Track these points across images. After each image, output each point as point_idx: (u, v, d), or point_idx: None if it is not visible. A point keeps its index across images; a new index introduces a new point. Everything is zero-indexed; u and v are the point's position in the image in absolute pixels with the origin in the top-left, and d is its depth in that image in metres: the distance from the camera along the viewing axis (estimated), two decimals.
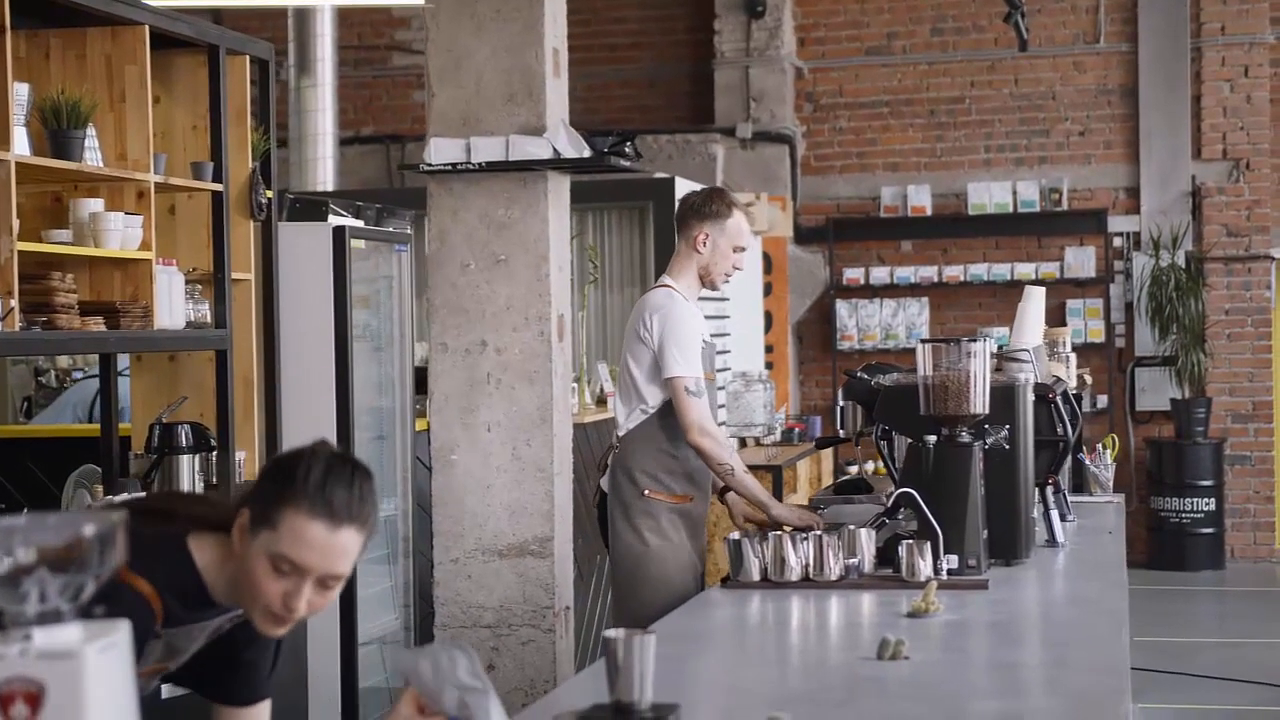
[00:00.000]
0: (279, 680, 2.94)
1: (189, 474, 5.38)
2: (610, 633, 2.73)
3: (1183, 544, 12.11)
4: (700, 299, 5.37)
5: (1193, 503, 12.09)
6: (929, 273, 12.67)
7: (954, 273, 12.63)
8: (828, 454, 11.19)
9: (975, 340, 4.39)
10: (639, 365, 5.17)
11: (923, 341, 4.43)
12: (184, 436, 5.38)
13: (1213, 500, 12.12)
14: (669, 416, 5.13)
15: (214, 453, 5.53)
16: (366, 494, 2.56)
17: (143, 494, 4.98)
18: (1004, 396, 4.50)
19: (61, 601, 1.75)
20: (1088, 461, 6.37)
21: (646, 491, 5.15)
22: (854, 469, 12.21)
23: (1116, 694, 2.92)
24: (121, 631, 1.78)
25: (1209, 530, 12.14)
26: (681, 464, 5.16)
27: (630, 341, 5.21)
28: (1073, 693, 3.01)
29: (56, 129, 4.77)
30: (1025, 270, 12.44)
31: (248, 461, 5.80)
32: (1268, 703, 8.11)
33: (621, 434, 5.25)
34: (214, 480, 5.56)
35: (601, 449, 7.69)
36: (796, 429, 10.92)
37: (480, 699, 2.53)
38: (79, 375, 8.81)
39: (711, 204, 5.26)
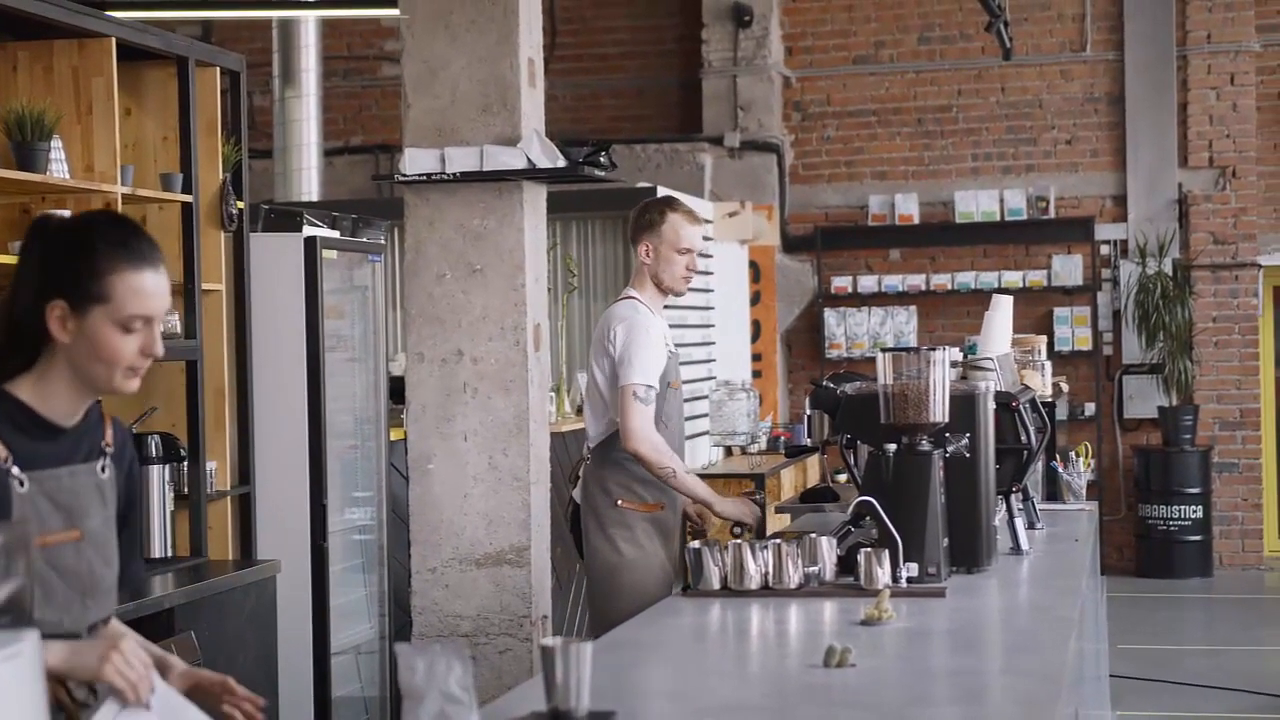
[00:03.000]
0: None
1: (159, 485, 5.39)
2: (546, 641, 2.76)
3: (1170, 551, 12.12)
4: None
5: (1180, 510, 12.10)
6: (917, 281, 12.69)
7: (942, 281, 12.65)
8: (814, 462, 11.20)
9: (935, 349, 4.40)
10: (605, 377, 5.26)
11: (883, 350, 4.44)
12: (154, 447, 5.39)
13: (1200, 508, 12.12)
14: None
15: (184, 463, 5.55)
16: (147, 234, 2.74)
17: None
18: (965, 405, 4.50)
19: None
20: (1060, 470, 6.37)
21: (620, 502, 5.22)
22: (843, 477, 12.21)
23: (1050, 700, 2.93)
24: (27, 642, 1.80)
25: (1197, 538, 12.14)
26: None
27: (596, 354, 5.31)
28: (1009, 699, 3.04)
29: (21, 141, 4.79)
30: (1013, 278, 12.45)
31: (219, 472, 5.82)
32: (1251, 710, 8.12)
33: (592, 445, 5.32)
34: (185, 491, 5.58)
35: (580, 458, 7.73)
36: (783, 437, 10.92)
37: (461, 713, 2.56)
38: None
39: (645, 214, 5.37)
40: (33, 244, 2.70)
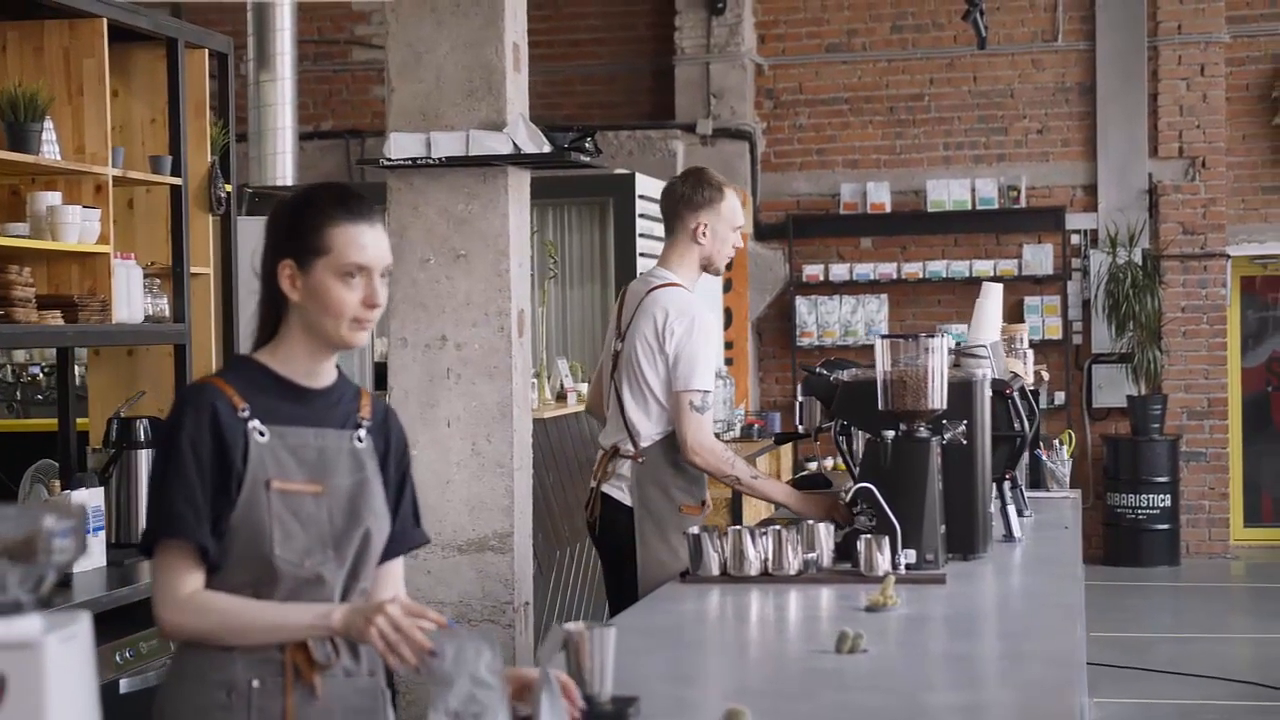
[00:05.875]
0: None
1: (146, 468, 5.35)
2: (571, 626, 2.74)
3: (1138, 540, 12.20)
4: None
5: (1148, 499, 12.18)
6: (888, 269, 12.72)
7: (913, 270, 12.69)
8: (787, 450, 11.24)
9: (933, 336, 4.41)
10: (657, 374, 4.92)
11: (882, 337, 4.44)
12: (142, 431, 5.35)
13: (1168, 496, 12.20)
14: None
15: None
16: (364, 197, 2.94)
17: None
18: (962, 392, 4.52)
19: (21, 592, 1.75)
20: (1044, 458, 6.40)
21: (683, 508, 4.96)
22: (813, 465, 12.26)
23: (1070, 685, 2.94)
24: (81, 624, 1.78)
25: (1164, 526, 12.23)
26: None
27: (644, 348, 4.94)
28: (1027, 685, 3.04)
29: (13, 121, 4.74)
30: (984, 267, 12.50)
31: None
32: (1221, 697, 8.18)
33: (644, 444, 4.97)
34: None
35: (561, 444, 7.70)
36: (756, 425, 10.95)
37: (491, 697, 2.56)
38: (35, 370, 8.76)
39: (703, 190, 5.01)
40: (268, 220, 2.91)
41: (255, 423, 2.79)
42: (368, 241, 2.82)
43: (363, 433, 2.91)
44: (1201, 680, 8.47)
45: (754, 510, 9.27)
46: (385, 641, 2.67)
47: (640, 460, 4.98)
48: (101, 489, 5.18)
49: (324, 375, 2.90)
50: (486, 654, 2.59)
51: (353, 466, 2.88)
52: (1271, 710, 7.98)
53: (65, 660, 1.73)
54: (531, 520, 6.01)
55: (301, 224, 2.84)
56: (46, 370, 8.74)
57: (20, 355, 8.67)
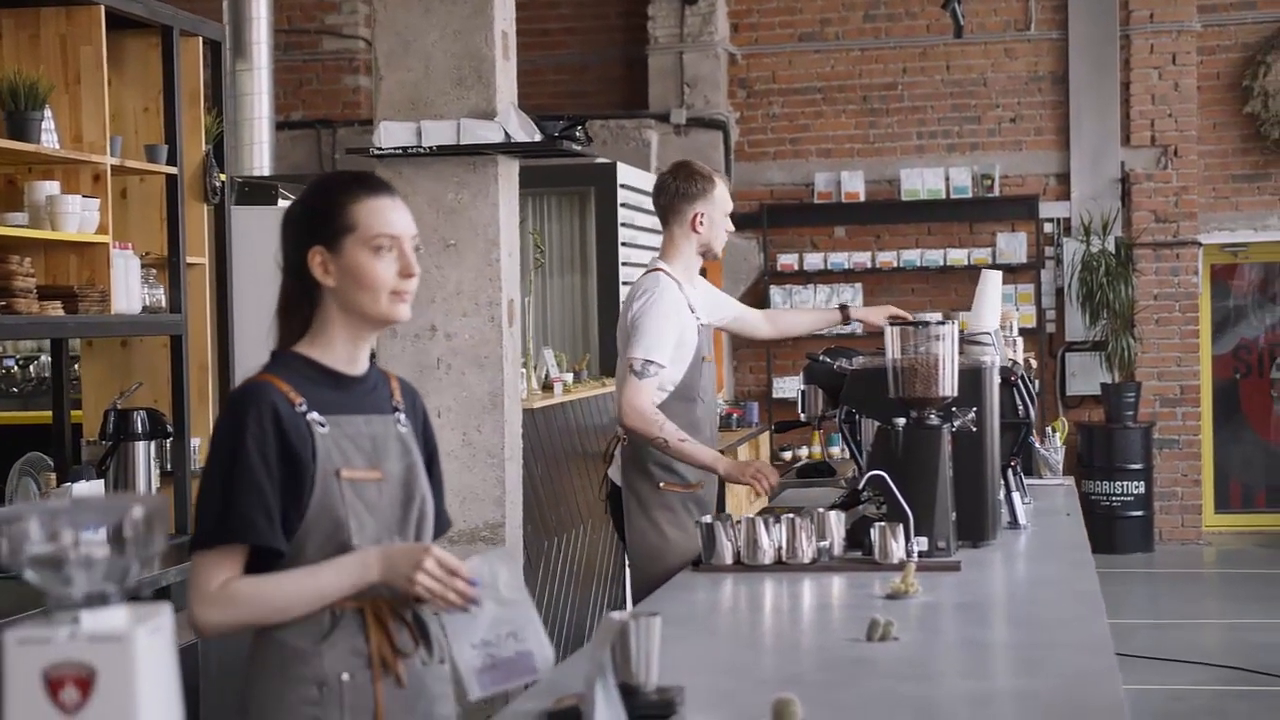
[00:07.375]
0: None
1: (144, 460, 5.31)
2: (616, 615, 2.72)
3: (1113, 527, 12.24)
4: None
5: (1122, 486, 12.23)
6: (863, 258, 12.73)
7: (887, 258, 12.70)
8: (764, 439, 11.24)
9: (944, 323, 4.40)
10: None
11: (891, 324, 4.44)
12: (139, 423, 5.30)
13: (1142, 483, 12.26)
14: (676, 403, 5.05)
15: (169, 439, 5.46)
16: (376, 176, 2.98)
17: None
18: (971, 379, 4.51)
19: (108, 584, 1.72)
20: (1038, 445, 6.42)
21: (662, 484, 5.08)
22: (787, 455, 12.26)
23: (1110, 672, 2.94)
24: (165, 614, 1.76)
25: (1138, 513, 12.29)
26: None
27: (620, 332, 5.15)
28: (1066, 673, 3.03)
29: (14, 110, 4.68)
30: (958, 256, 12.52)
31: (203, 448, 5.73)
32: (1205, 682, 8.22)
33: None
34: (169, 468, 5.49)
35: (549, 435, 7.68)
36: (734, 415, 10.95)
37: (519, 612, 2.56)
38: (10, 362, 8.68)
39: (695, 182, 5.20)
40: (284, 217, 2.90)
41: (314, 415, 2.78)
42: (391, 210, 2.83)
43: (403, 416, 2.91)
44: (1179, 665, 8.52)
45: (736, 500, 9.27)
46: (430, 591, 2.67)
47: (624, 442, 5.13)
48: (101, 481, 5.13)
49: (362, 362, 2.89)
50: (503, 572, 2.62)
51: (401, 451, 2.88)
52: (1256, 694, 8.04)
53: (153, 651, 1.71)
54: (522, 510, 5.99)
55: (324, 209, 2.83)
56: (21, 363, 8.66)
57: None
